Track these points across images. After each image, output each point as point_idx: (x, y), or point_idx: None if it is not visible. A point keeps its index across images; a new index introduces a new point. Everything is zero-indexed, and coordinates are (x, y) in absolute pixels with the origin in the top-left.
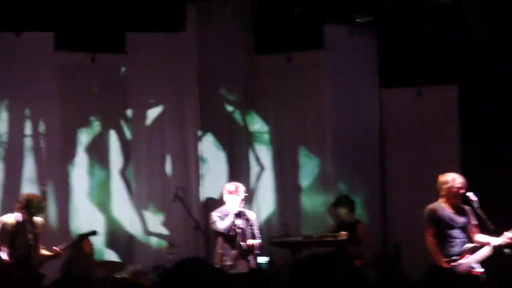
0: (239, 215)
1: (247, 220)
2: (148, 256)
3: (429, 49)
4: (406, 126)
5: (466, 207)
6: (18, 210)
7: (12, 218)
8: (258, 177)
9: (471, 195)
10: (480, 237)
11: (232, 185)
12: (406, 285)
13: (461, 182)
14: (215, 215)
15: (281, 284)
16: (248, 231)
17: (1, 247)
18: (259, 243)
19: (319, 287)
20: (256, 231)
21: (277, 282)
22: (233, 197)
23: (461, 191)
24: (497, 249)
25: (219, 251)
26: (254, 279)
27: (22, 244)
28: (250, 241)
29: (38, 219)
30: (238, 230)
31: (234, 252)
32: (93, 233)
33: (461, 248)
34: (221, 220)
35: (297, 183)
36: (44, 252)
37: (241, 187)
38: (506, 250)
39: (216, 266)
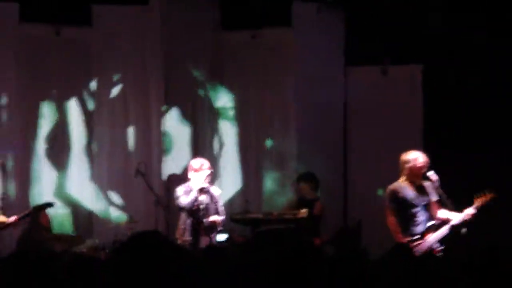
0: (203, 191)
1: (212, 196)
2: (107, 231)
3: (395, 28)
4: (370, 104)
5: (427, 184)
6: None
7: None
8: (222, 154)
9: (432, 174)
10: (441, 213)
11: (197, 162)
12: (364, 261)
13: (423, 161)
14: (179, 190)
15: (237, 261)
16: (212, 208)
17: None
18: (222, 220)
19: (269, 263)
20: (221, 208)
21: (235, 259)
22: (198, 173)
23: (423, 170)
24: (456, 227)
25: (181, 226)
26: (210, 255)
27: None
28: (212, 217)
29: None
30: (201, 206)
31: (196, 228)
32: (49, 204)
33: (423, 227)
34: (185, 196)
35: (260, 160)
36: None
37: (206, 164)
38: (463, 230)
39: (176, 241)
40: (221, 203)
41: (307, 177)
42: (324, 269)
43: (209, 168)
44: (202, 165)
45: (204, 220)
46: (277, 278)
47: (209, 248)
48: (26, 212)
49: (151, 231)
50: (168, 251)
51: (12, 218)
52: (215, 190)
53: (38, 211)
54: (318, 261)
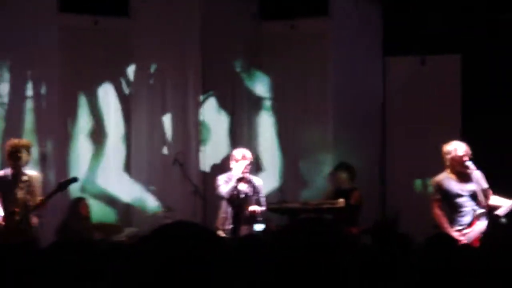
0: (245, 180)
1: (254, 186)
2: (145, 220)
3: (433, 17)
4: (409, 94)
5: (474, 174)
6: (6, 165)
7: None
8: (259, 144)
9: (469, 164)
10: (493, 200)
11: (239, 152)
12: (402, 252)
13: (464, 150)
14: (220, 179)
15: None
16: (253, 198)
17: None
18: (262, 210)
19: (301, 251)
20: (262, 199)
21: (270, 248)
22: (238, 163)
23: (465, 159)
24: (499, 216)
25: (222, 215)
26: (246, 244)
27: (10, 200)
28: (252, 207)
29: (33, 173)
30: (241, 195)
31: (235, 217)
32: (74, 179)
33: (471, 217)
34: (225, 185)
35: (297, 150)
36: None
37: (248, 154)
38: (503, 220)
39: (216, 230)
40: (262, 193)
41: (344, 167)
42: (358, 259)
43: (250, 158)
44: (243, 155)
45: (244, 209)
46: (309, 267)
47: (245, 237)
48: (53, 190)
49: (182, 221)
50: (199, 239)
51: (39, 199)
52: (257, 180)
53: (64, 187)
54: (352, 251)
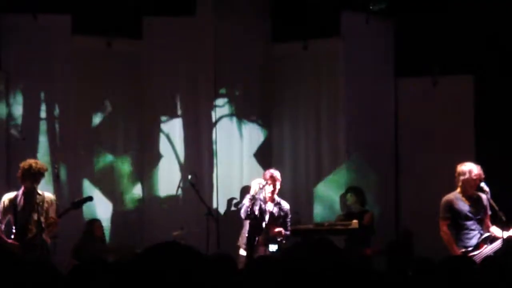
0: (272, 201)
1: (281, 209)
2: (159, 241)
3: (445, 38)
4: (421, 115)
5: (483, 197)
6: (20, 183)
7: (13, 194)
8: (273, 164)
9: (483, 185)
10: (493, 230)
11: (265, 173)
12: (416, 273)
13: (478, 173)
14: (245, 199)
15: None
16: (279, 220)
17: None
18: (286, 234)
19: (309, 273)
20: (288, 222)
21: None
22: (256, 182)
23: (478, 182)
24: (508, 241)
25: (244, 234)
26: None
27: (21, 216)
28: (278, 229)
29: (47, 194)
30: (265, 216)
31: (252, 236)
32: (89, 198)
33: (478, 240)
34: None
35: (310, 172)
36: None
37: (268, 174)
38: None
39: (238, 248)
40: (289, 217)
41: (352, 191)
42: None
43: (269, 179)
44: (264, 175)
45: (264, 229)
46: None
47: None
48: (66, 208)
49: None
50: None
51: (52, 217)
52: (284, 203)
53: (78, 206)
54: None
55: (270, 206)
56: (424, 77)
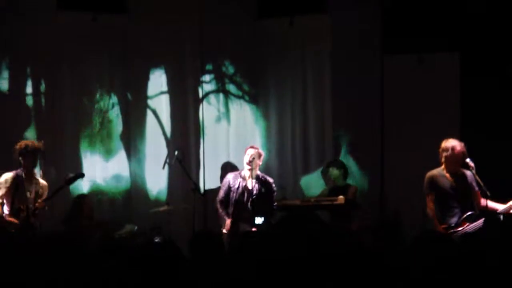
0: (258, 178)
1: (264, 184)
2: (146, 216)
3: (432, 14)
4: (407, 92)
5: (468, 173)
6: (19, 164)
7: (11, 174)
8: (256, 141)
9: (469, 161)
10: (490, 204)
11: (248, 146)
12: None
13: (460, 149)
14: (224, 181)
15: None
16: (263, 195)
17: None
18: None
19: (293, 247)
20: (274, 196)
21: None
22: (244, 158)
23: (461, 158)
24: (492, 220)
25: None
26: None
27: (20, 199)
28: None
29: (41, 180)
30: (249, 193)
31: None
32: (80, 175)
33: (460, 218)
34: (223, 189)
35: (295, 147)
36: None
37: (250, 150)
38: (500, 216)
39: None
40: (274, 191)
41: (336, 164)
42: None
43: (251, 155)
44: (246, 150)
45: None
46: (298, 261)
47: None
48: (59, 186)
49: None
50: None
51: (44, 197)
52: (268, 178)
53: (70, 183)
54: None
55: (250, 183)
56: (411, 54)
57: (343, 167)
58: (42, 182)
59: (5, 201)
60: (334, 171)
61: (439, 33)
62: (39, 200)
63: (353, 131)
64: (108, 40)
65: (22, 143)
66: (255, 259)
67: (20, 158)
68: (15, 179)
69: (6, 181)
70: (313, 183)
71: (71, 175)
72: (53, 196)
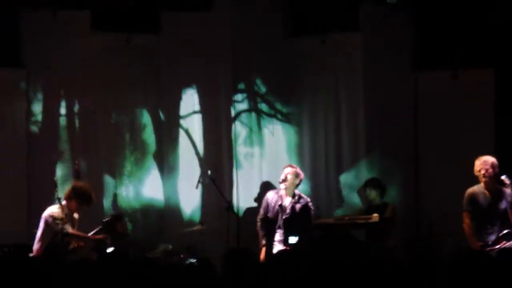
0: (295, 197)
1: (300, 203)
2: (179, 236)
3: (465, 31)
4: (441, 109)
5: (507, 191)
6: (66, 199)
7: (57, 208)
8: (290, 160)
9: (505, 178)
10: None
11: (284, 169)
12: (436, 266)
13: (491, 164)
14: (264, 199)
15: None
16: (300, 214)
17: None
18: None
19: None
20: (312, 216)
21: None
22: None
23: (491, 173)
24: None
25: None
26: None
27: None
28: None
29: (75, 215)
30: (285, 211)
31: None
32: (117, 217)
33: (497, 235)
34: (263, 207)
35: (329, 165)
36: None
37: (287, 169)
38: None
39: None
40: (312, 210)
41: (372, 184)
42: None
43: (284, 174)
44: (283, 169)
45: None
46: (334, 279)
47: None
48: (97, 229)
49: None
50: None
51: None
52: (304, 197)
53: (108, 226)
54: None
55: (287, 201)
56: (444, 70)
57: (379, 186)
58: (75, 215)
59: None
60: (372, 192)
61: (473, 48)
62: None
63: (386, 149)
64: (141, 60)
65: (83, 186)
66: (288, 277)
67: (75, 199)
68: (62, 217)
69: (61, 216)
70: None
71: (107, 219)
72: (88, 239)
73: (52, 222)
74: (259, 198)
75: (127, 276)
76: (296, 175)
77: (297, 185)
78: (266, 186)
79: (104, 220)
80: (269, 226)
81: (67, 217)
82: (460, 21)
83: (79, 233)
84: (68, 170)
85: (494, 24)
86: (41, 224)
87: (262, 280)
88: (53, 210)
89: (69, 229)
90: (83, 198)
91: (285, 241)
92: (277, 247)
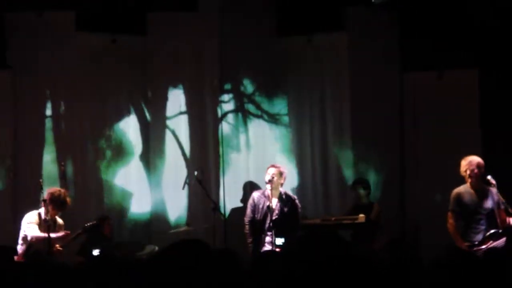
0: (281, 197)
1: (287, 202)
2: (166, 237)
3: (450, 31)
4: (426, 109)
5: (493, 190)
6: (43, 206)
7: (36, 214)
8: (276, 160)
9: (490, 178)
10: None
11: (269, 168)
12: (420, 267)
13: (476, 164)
14: (250, 200)
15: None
16: (288, 214)
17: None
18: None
19: (312, 267)
20: (299, 215)
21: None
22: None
23: (477, 173)
24: None
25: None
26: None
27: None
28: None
29: (59, 220)
30: (273, 213)
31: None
32: (104, 219)
33: (484, 235)
34: (250, 208)
35: (315, 165)
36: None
37: (271, 169)
38: None
39: None
40: (299, 208)
41: (361, 183)
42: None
43: (272, 175)
44: (267, 170)
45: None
46: (317, 280)
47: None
48: (76, 233)
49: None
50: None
51: (62, 234)
52: (290, 195)
53: (86, 232)
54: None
55: (275, 202)
56: (429, 71)
57: (369, 187)
58: (59, 221)
59: (22, 240)
60: (360, 190)
61: (458, 49)
62: (57, 246)
63: (372, 150)
64: (127, 61)
65: (54, 191)
66: (274, 278)
67: (50, 204)
68: (39, 219)
69: (35, 220)
70: None
71: (89, 224)
72: (67, 244)
73: (23, 226)
74: (245, 199)
75: (115, 278)
76: (280, 174)
77: (282, 184)
78: (252, 187)
79: (86, 225)
80: (257, 227)
81: (47, 221)
82: (445, 21)
83: (53, 235)
84: (55, 172)
85: (479, 25)
86: (21, 228)
87: (250, 282)
88: (29, 214)
89: (34, 232)
90: (57, 204)
91: (274, 243)
92: (267, 248)
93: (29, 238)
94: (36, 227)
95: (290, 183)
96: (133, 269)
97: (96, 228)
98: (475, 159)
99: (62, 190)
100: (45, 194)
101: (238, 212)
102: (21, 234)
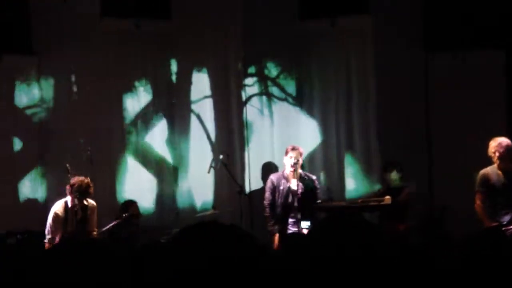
0: (301, 178)
1: (307, 182)
2: (192, 221)
3: (476, 13)
4: (452, 91)
5: None
6: (69, 194)
7: (61, 206)
8: (302, 143)
9: None
10: None
11: (289, 146)
12: (449, 248)
13: (506, 145)
14: (268, 183)
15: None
16: (308, 195)
17: (56, 236)
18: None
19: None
20: (318, 194)
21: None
22: (286, 159)
23: (505, 154)
24: None
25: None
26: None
27: (71, 229)
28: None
29: (90, 202)
30: (293, 196)
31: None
32: (131, 202)
33: (511, 216)
34: (269, 191)
35: (341, 148)
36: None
37: (292, 152)
38: None
39: None
40: (319, 189)
41: (394, 166)
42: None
43: (295, 156)
44: (288, 150)
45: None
46: (342, 263)
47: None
48: (113, 224)
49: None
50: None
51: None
52: (310, 176)
53: (120, 223)
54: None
55: (294, 183)
56: (454, 52)
57: (400, 168)
58: (90, 202)
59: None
60: (392, 174)
61: (484, 31)
62: (94, 231)
63: (398, 131)
64: (151, 45)
65: (79, 179)
66: (300, 259)
67: (79, 193)
68: (64, 213)
69: (56, 214)
70: None
71: (126, 214)
72: (104, 232)
73: (52, 219)
74: (265, 179)
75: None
76: (301, 155)
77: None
78: (272, 167)
79: (124, 215)
80: (279, 209)
81: (72, 209)
82: (470, 2)
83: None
84: (81, 156)
85: (505, 5)
86: (49, 217)
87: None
88: (56, 203)
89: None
90: (80, 193)
91: (298, 224)
92: (291, 230)
93: (48, 227)
94: (56, 216)
95: (315, 166)
96: (156, 253)
97: (131, 218)
98: (505, 140)
99: (85, 180)
100: (71, 180)
101: (263, 195)
102: (48, 224)
